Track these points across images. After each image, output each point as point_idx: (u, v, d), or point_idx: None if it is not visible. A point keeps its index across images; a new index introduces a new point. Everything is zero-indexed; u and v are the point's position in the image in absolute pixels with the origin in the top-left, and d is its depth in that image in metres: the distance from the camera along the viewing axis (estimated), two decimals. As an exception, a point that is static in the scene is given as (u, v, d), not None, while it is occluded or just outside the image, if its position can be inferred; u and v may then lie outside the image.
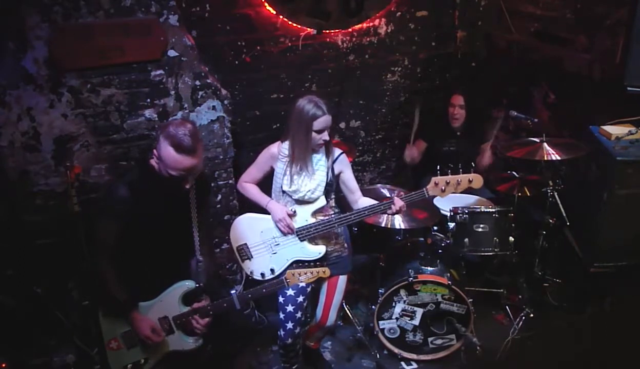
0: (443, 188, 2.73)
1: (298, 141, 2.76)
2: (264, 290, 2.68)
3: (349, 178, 2.95)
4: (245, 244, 2.90)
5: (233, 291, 2.60)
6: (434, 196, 2.77)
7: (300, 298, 2.89)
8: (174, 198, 2.49)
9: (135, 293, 2.55)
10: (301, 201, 2.85)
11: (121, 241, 2.47)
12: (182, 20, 3.29)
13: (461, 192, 2.79)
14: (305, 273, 2.57)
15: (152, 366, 2.61)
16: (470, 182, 2.72)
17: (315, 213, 2.87)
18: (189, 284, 2.60)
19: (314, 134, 2.72)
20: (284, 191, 2.86)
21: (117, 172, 3.29)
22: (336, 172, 2.91)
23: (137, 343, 2.57)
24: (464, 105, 4.08)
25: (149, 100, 3.32)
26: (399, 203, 2.73)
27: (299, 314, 2.90)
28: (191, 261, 2.66)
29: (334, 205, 2.98)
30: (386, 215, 3.50)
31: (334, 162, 2.89)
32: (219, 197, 3.66)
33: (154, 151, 2.39)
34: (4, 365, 2.95)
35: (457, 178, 2.72)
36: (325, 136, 2.75)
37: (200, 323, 2.57)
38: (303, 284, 2.78)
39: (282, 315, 2.91)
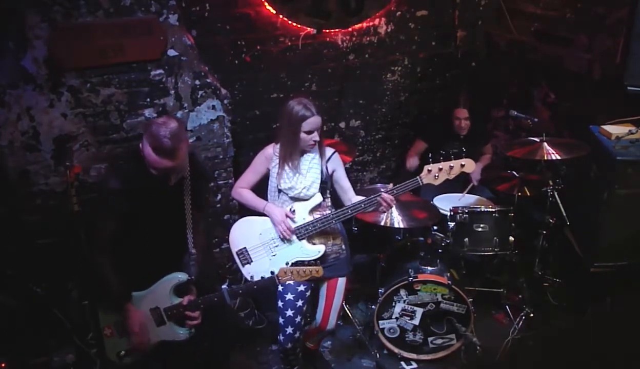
0: (436, 175, 2.73)
1: (288, 141, 2.80)
2: (255, 286, 2.71)
3: (341, 176, 2.96)
4: (245, 248, 2.90)
5: (224, 286, 2.61)
6: (428, 185, 2.78)
7: (300, 302, 2.89)
8: (166, 190, 2.51)
9: (129, 283, 2.58)
10: (297, 199, 2.85)
11: (116, 232, 2.50)
12: (182, 19, 3.29)
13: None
14: (298, 272, 2.56)
15: (144, 354, 2.63)
16: (462, 166, 2.72)
17: (312, 211, 2.87)
18: (181, 276, 2.62)
19: (303, 135, 2.75)
20: (280, 191, 2.87)
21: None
22: (330, 170, 2.92)
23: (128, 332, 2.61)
24: (468, 117, 4.08)
25: (148, 99, 3.32)
26: (386, 198, 2.73)
27: (298, 319, 2.90)
28: (185, 254, 2.68)
29: (330, 204, 2.98)
30: (386, 213, 3.50)
31: (327, 161, 2.91)
32: (219, 197, 3.66)
33: (140, 146, 2.42)
34: (3, 365, 2.95)
35: (449, 163, 2.72)
36: (315, 137, 2.77)
37: (190, 315, 2.60)
38: (292, 282, 2.80)
39: (281, 320, 2.90)
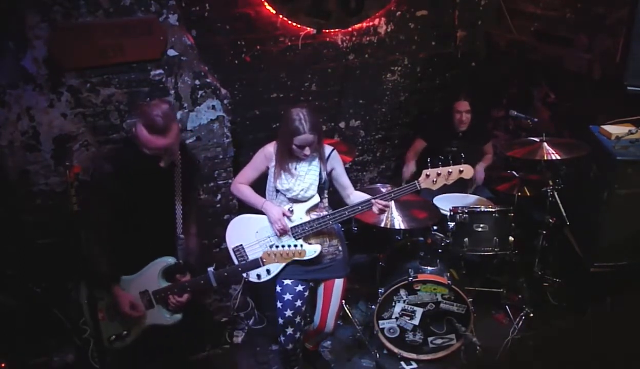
0: (434, 179, 2.74)
1: (283, 147, 2.83)
2: (240, 269, 2.76)
3: (340, 174, 2.96)
4: (241, 245, 2.90)
5: (210, 269, 2.64)
6: (426, 189, 2.79)
7: (299, 302, 2.89)
8: (157, 175, 2.56)
9: (118, 267, 2.63)
10: (295, 200, 2.85)
11: (109, 215, 2.55)
12: (181, 19, 3.28)
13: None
14: (281, 254, 2.61)
15: (134, 338, 2.67)
16: (460, 172, 2.74)
17: (309, 211, 2.87)
18: (170, 260, 2.67)
19: (294, 146, 2.76)
20: (277, 190, 2.87)
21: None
22: (328, 169, 2.92)
23: (118, 316, 2.64)
24: (469, 110, 4.08)
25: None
26: (380, 204, 2.75)
27: (297, 319, 2.90)
28: (175, 239, 2.71)
29: (327, 205, 2.98)
30: (385, 214, 3.50)
31: (326, 161, 2.90)
32: (219, 197, 3.66)
33: (133, 129, 2.50)
34: (3, 365, 2.95)
35: (448, 169, 2.73)
36: (307, 151, 2.77)
37: (176, 299, 2.65)
38: (290, 282, 2.84)
39: (281, 320, 2.90)
